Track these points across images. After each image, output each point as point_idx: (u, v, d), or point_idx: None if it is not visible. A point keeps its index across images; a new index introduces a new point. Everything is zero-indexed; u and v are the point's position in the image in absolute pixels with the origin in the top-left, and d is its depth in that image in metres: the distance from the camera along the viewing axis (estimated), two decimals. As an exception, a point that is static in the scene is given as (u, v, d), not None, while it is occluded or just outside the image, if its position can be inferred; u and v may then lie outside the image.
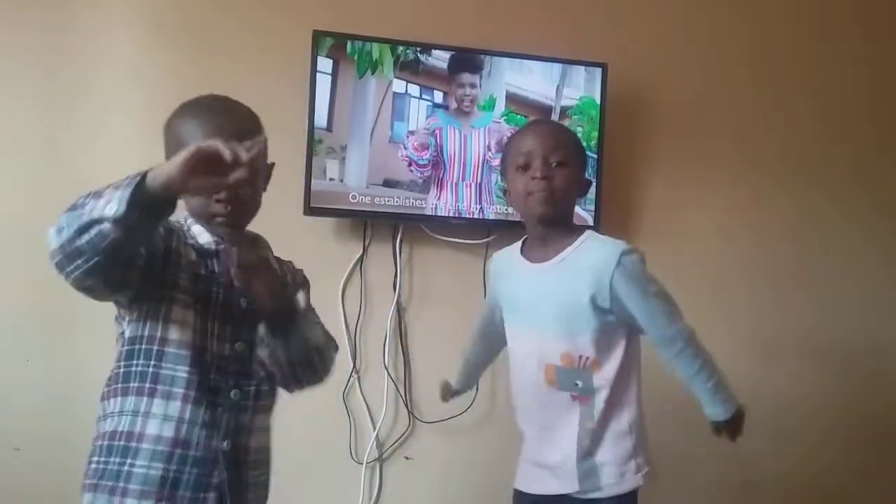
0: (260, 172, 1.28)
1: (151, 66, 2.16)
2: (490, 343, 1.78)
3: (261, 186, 1.32)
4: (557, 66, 2.29)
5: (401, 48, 2.19)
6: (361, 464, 2.24)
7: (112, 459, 1.20)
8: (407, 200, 2.20)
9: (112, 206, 1.00)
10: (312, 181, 2.14)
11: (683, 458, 2.35)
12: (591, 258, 1.49)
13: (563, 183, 1.50)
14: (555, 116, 2.29)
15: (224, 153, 0.99)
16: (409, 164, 2.21)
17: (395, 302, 2.27)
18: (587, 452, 1.51)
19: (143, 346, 1.22)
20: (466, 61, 2.24)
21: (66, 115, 2.13)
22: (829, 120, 2.57)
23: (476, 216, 2.24)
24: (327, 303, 2.22)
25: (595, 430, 1.52)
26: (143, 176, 1.01)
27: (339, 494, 2.25)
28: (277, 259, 1.38)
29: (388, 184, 2.20)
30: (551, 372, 1.52)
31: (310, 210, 2.14)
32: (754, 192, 2.51)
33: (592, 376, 1.51)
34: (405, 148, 2.20)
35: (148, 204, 1.01)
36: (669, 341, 1.51)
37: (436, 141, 2.22)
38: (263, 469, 1.32)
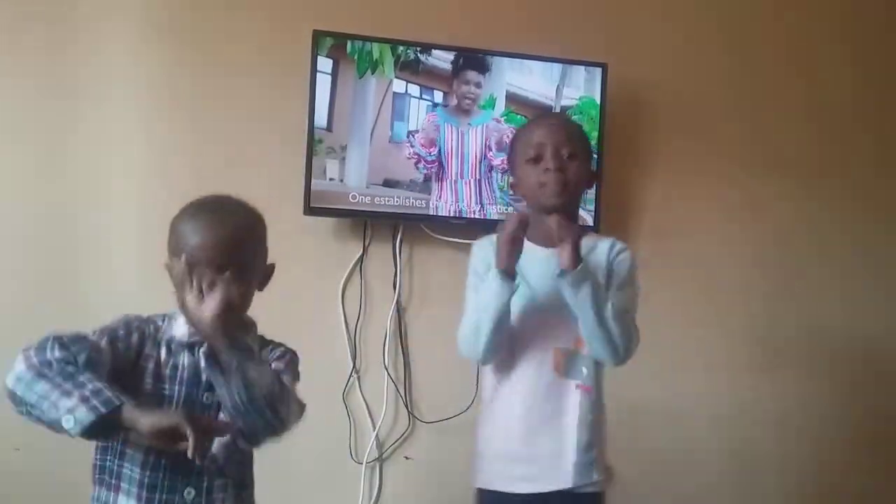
0: (250, 274, 1.31)
1: (151, 67, 2.16)
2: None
3: (251, 289, 1.33)
4: (557, 66, 2.30)
5: (401, 48, 2.19)
6: (361, 464, 2.24)
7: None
8: (407, 200, 2.20)
9: (70, 421, 1.10)
10: (312, 181, 2.13)
11: (682, 455, 2.36)
12: (601, 247, 1.57)
13: (574, 175, 1.54)
14: (555, 116, 2.29)
15: (187, 437, 1.09)
16: (418, 161, 2.21)
17: (395, 302, 2.27)
18: (587, 445, 1.51)
19: (111, 443, 1.26)
20: (473, 60, 2.24)
21: (66, 114, 2.13)
22: (825, 123, 2.57)
23: (476, 216, 2.24)
24: (327, 303, 2.22)
25: (594, 422, 1.53)
26: (113, 411, 1.10)
27: (339, 494, 2.25)
28: (269, 343, 1.39)
29: (388, 184, 2.20)
30: (560, 357, 1.52)
31: (310, 210, 2.14)
32: (753, 193, 2.52)
33: (595, 365, 1.54)
34: (412, 146, 2.20)
35: (106, 428, 1.12)
36: None
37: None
38: None
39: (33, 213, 2.11)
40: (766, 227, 2.53)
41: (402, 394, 2.27)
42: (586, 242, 1.54)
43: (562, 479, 1.50)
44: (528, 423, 1.53)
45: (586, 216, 2.28)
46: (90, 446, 1.27)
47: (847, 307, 2.56)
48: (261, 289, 1.37)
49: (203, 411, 1.28)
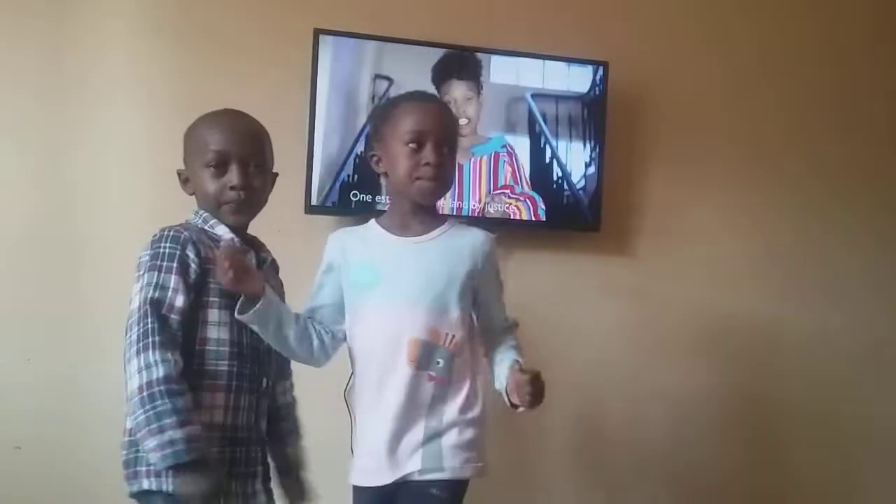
0: (268, 169, 1.47)
1: (151, 66, 2.15)
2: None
3: (269, 184, 1.48)
4: (559, 64, 2.29)
5: (402, 47, 2.19)
6: (362, 463, 2.24)
7: None
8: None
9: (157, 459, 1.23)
10: (313, 180, 2.13)
11: (681, 455, 2.36)
12: (467, 237, 1.52)
13: (451, 172, 1.52)
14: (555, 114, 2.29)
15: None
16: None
17: (395, 301, 2.26)
18: (434, 434, 1.45)
19: (209, 347, 1.36)
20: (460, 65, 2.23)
21: (67, 114, 2.13)
22: (829, 116, 2.58)
23: (476, 215, 2.24)
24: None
25: (445, 414, 1.46)
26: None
27: (340, 493, 2.24)
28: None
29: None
30: (414, 347, 1.44)
31: (311, 209, 2.14)
32: (755, 190, 2.52)
33: (453, 358, 1.47)
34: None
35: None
36: (504, 321, 1.58)
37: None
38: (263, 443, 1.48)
39: (33, 213, 2.11)
40: (766, 227, 2.53)
41: (403, 393, 2.26)
42: (455, 227, 1.53)
43: (409, 467, 1.44)
44: (379, 414, 1.47)
45: (587, 216, 2.28)
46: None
47: (848, 308, 2.56)
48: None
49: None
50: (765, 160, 2.52)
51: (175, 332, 1.29)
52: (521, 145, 2.26)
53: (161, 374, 1.23)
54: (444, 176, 1.49)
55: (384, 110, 1.57)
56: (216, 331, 1.35)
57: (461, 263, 1.48)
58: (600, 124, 2.30)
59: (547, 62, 2.28)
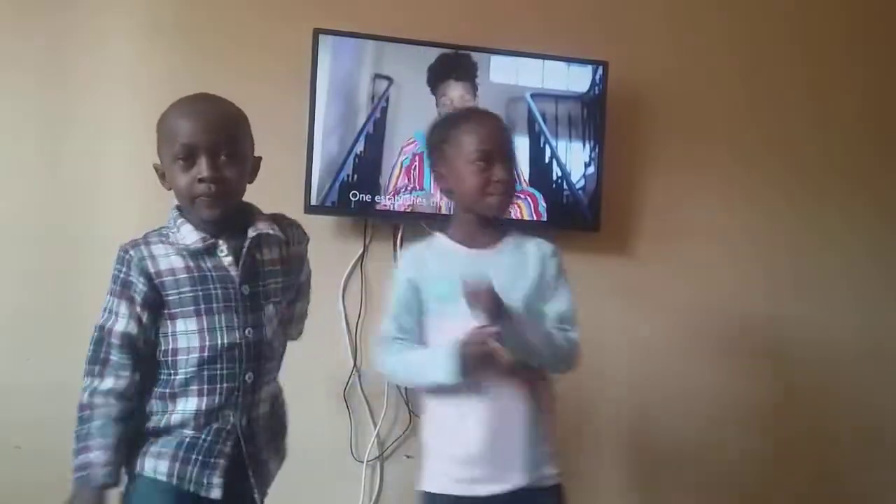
0: (243, 157, 1.38)
1: (151, 65, 2.16)
2: None
3: (245, 172, 1.40)
4: (558, 64, 2.29)
5: (401, 47, 2.19)
6: (362, 462, 2.24)
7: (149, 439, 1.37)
8: (407, 199, 2.20)
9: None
10: (312, 179, 2.13)
11: (681, 454, 2.36)
12: (532, 246, 1.56)
13: (514, 183, 1.56)
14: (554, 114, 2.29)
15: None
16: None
17: (395, 301, 2.27)
18: (537, 441, 1.49)
19: (161, 359, 1.37)
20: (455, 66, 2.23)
21: (66, 117, 2.13)
22: (826, 121, 2.58)
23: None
24: (328, 301, 2.22)
25: (543, 416, 1.50)
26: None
27: (340, 493, 2.25)
28: (282, 221, 1.48)
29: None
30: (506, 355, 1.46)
31: (310, 209, 2.14)
32: (754, 193, 2.52)
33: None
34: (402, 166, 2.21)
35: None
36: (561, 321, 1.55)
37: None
38: (269, 435, 1.44)
39: (33, 213, 2.11)
40: (766, 227, 2.53)
41: (403, 392, 2.27)
42: (514, 234, 1.57)
43: (516, 477, 1.46)
44: (477, 425, 1.47)
45: (587, 216, 2.28)
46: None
47: (850, 307, 2.56)
48: (251, 180, 1.43)
49: (246, 302, 1.38)
50: (765, 160, 2.52)
51: (117, 356, 1.33)
52: (521, 145, 2.26)
53: (84, 398, 1.34)
54: (512, 190, 1.54)
55: (445, 130, 1.58)
56: (186, 340, 1.35)
57: (531, 271, 1.53)
58: (600, 124, 2.31)
59: (546, 62, 2.28)
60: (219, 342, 1.35)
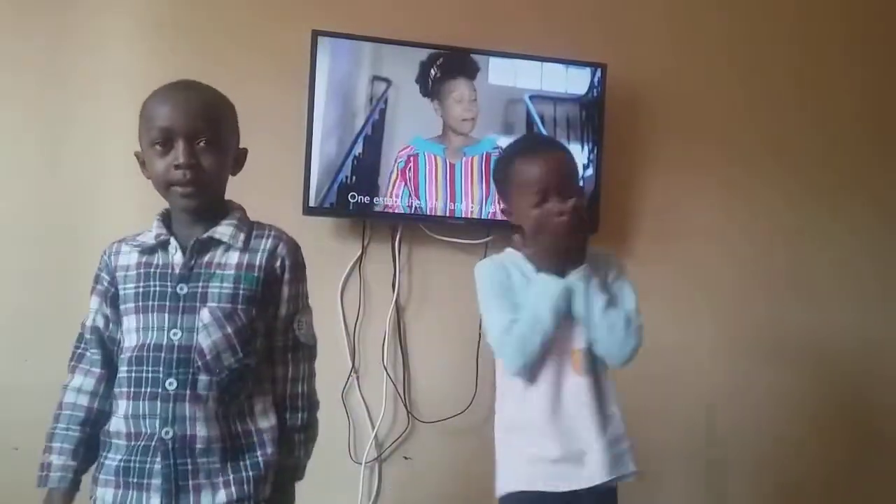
0: (223, 145, 1.32)
1: (150, 67, 2.15)
2: None
3: (226, 162, 1.34)
4: (557, 66, 2.30)
5: (400, 49, 2.19)
6: (360, 464, 2.24)
7: (101, 453, 1.33)
8: (406, 200, 2.20)
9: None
10: (311, 181, 2.14)
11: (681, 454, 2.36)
12: (599, 257, 1.59)
13: (582, 212, 1.53)
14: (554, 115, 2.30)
15: None
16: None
17: (394, 302, 2.27)
18: (617, 438, 1.55)
19: (122, 356, 1.34)
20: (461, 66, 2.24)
21: (66, 117, 2.14)
22: (825, 121, 2.58)
23: (475, 216, 2.24)
24: (326, 303, 2.22)
25: (616, 414, 1.57)
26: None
27: (338, 494, 2.25)
28: (263, 227, 1.41)
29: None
30: (578, 356, 1.54)
31: (309, 210, 2.14)
32: (753, 194, 2.52)
33: (606, 363, 1.58)
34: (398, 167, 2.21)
35: None
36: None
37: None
38: (217, 457, 1.27)
39: (32, 211, 2.11)
40: (766, 228, 2.53)
41: (402, 394, 2.27)
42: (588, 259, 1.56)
43: (598, 472, 1.52)
44: (559, 423, 1.53)
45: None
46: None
47: (849, 308, 2.56)
48: (234, 172, 1.38)
49: (179, 302, 1.29)
50: (765, 161, 2.52)
51: (88, 350, 1.37)
52: (520, 146, 2.26)
53: (60, 395, 1.36)
54: (575, 219, 1.49)
55: (504, 169, 1.59)
56: (128, 338, 1.31)
57: (601, 271, 1.57)
58: (598, 126, 2.31)
59: (545, 64, 2.28)
60: (147, 342, 1.28)
